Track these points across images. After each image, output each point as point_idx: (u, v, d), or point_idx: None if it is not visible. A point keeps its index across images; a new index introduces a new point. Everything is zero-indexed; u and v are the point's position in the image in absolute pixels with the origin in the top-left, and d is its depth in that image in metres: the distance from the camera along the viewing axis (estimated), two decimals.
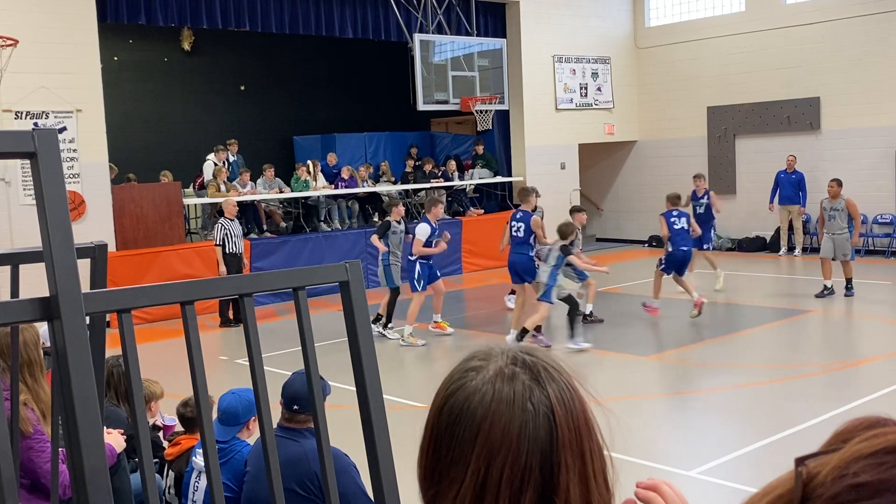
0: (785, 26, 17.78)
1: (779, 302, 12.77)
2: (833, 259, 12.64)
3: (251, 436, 4.25)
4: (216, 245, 12.66)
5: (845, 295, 12.71)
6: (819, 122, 17.52)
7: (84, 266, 1.62)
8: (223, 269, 12.44)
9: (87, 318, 1.40)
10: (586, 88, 19.35)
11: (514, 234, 11.10)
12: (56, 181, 1.32)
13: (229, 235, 12.63)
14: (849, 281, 12.75)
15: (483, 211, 18.02)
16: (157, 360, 10.07)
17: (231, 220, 12.77)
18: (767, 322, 11.81)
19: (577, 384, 1.17)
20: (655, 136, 20.15)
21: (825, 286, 12.77)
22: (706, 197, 14.10)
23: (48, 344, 3.51)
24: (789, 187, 17.22)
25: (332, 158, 17.58)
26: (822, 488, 0.69)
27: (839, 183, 12.78)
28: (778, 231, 17.76)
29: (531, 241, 10.95)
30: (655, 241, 19.82)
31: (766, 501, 0.73)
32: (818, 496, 0.69)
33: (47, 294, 1.33)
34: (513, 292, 12.10)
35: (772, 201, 17.39)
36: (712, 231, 14.27)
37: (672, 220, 11.97)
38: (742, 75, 18.40)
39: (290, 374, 4.06)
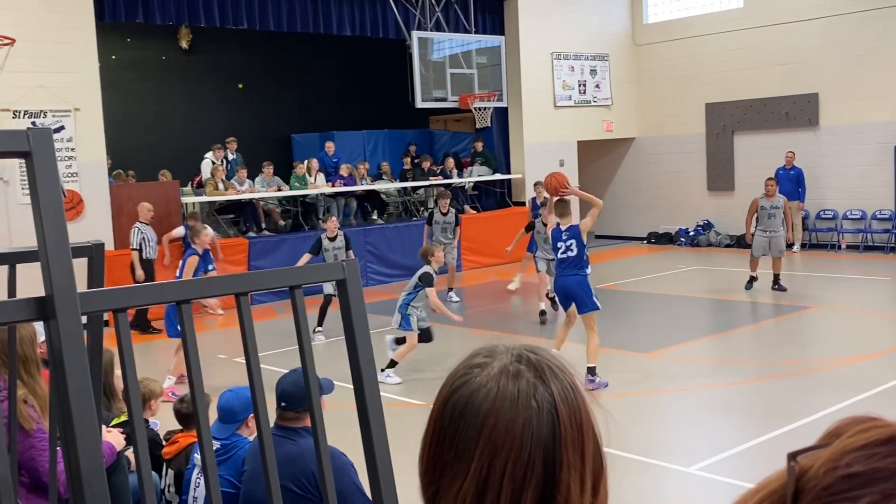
0: (783, 22, 17.77)
1: (777, 298, 12.77)
2: (764, 255, 12.91)
3: (252, 434, 4.25)
4: (133, 249, 12.13)
5: (773, 288, 13.01)
6: (818, 118, 17.52)
7: (81, 265, 1.62)
8: (140, 273, 11.86)
9: (84, 318, 1.40)
10: (585, 85, 19.34)
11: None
12: (51, 180, 1.32)
13: (146, 240, 12.17)
14: (777, 276, 13.06)
15: (480, 209, 18.03)
16: (153, 359, 10.07)
17: (146, 224, 12.29)
18: (766, 318, 11.80)
19: (578, 383, 1.17)
20: (654, 132, 20.14)
21: (752, 277, 13.11)
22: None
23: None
24: (788, 183, 17.17)
25: (329, 147, 17.59)
26: (814, 480, 0.69)
27: (776, 182, 13.30)
28: None
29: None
30: (654, 238, 19.86)
31: (759, 497, 0.74)
32: (811, 488, 0.69)
33: (44, 293, 1.33)
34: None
35: None
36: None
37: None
38: (740, 72, 18.40)
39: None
